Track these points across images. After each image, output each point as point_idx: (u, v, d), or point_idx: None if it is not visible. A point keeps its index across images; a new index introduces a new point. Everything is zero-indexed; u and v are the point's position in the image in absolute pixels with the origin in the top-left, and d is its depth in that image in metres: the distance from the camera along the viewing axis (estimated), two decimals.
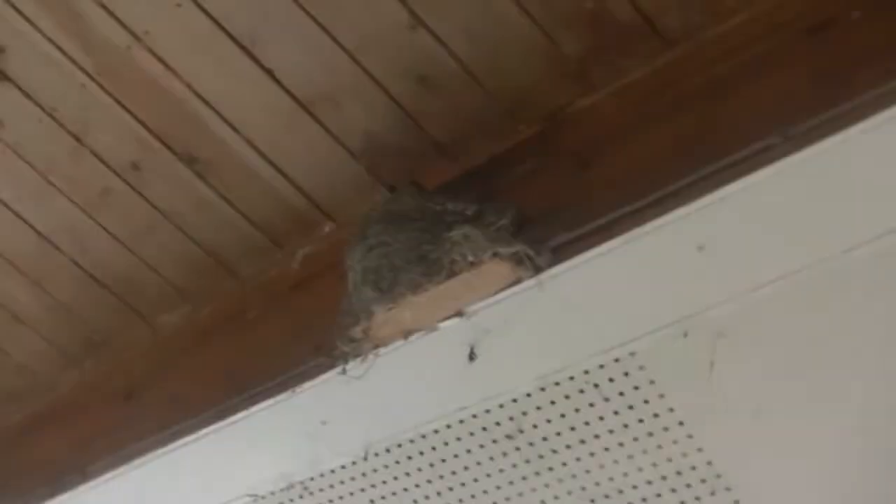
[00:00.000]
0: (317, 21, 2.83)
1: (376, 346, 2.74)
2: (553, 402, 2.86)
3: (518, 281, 2.58)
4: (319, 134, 3.03)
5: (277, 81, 2.96)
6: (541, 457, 2.95)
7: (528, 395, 2.86)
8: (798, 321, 2.56)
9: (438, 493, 3.13)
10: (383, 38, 2.83)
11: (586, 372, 2.78)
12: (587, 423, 2.88)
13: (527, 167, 2.85)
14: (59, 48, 3.03)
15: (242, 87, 2.99)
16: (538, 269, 2.55)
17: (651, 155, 2.57)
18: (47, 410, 3.95)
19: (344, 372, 2.78)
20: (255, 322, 3.33)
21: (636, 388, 2.78)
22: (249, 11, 2.86)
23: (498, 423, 2.95)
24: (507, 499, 3.06)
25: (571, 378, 2.80)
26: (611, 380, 2.77)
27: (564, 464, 2.95)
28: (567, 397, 2.85)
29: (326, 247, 3.23)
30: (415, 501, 3.17)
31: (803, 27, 2.48)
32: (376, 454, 3.11)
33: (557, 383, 2.83)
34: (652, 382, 2.75)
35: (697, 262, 2.44)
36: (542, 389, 2.84)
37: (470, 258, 2.57)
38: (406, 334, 2.72)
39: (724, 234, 2.41)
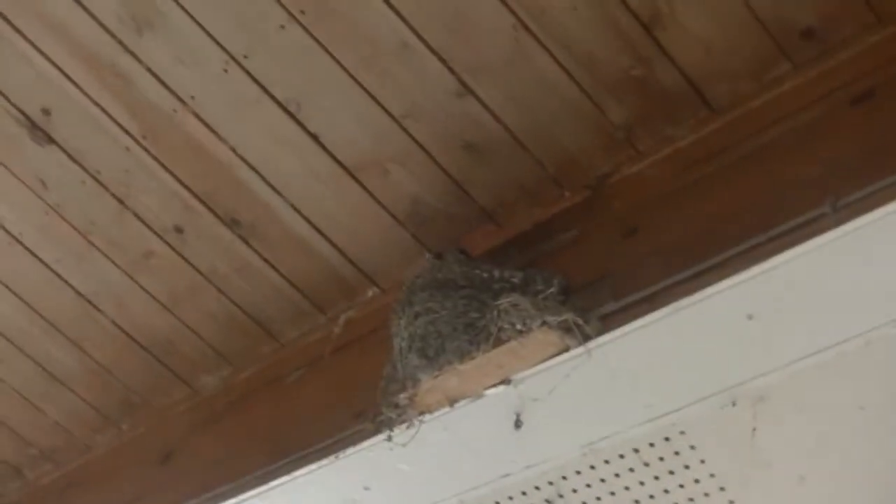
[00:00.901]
0: (363, 87, 2.86)
1: (421, 413, 2.73)
2: (593, 468, 2.84)
3: (566, 349, 2.56)
4: (365, 199, 3.06)
5: (322, 146, 2.99)
6: None
7: (569, 460, 2.84)
8: (844, 389, 2.53)
9: None
10: (431, 106, 2.86)
11: (627, 438, 2.75)
12: (627, 489, 2.86)
13: (573, 234, 2.87)
14: (105, 111, 3.07)
15: (287, 152, 3.02)
16: (586, 338, 2.53)
17: (699, 223, 2.58)
18: (82, 471, 3.96)
19: (389, 439, 2.76)
20: (296, 386, 3.34)
21: (677, 453, 2.75)
22: (295, 77, 2.89)
23: (537, 488, 2.93)
24: None
25: (612, 444, 2.77)
26: (651, 445, 2.75)
27: None
28: (607, 462, 2.82)
29: (369, 312, 3.24)
30: None
31: (848, 97, 2.50)
32: None
33: (598, 449, 2.80)
34: (693, 448, 2.73)
35: (747, 332, 2.42)
36: (584, 455, 2.81)
37: (518, 326, 2.56)
38: (452, 401, 2.71)
39: (773, 304, 2.38)
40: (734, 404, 2.58)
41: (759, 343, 2.45)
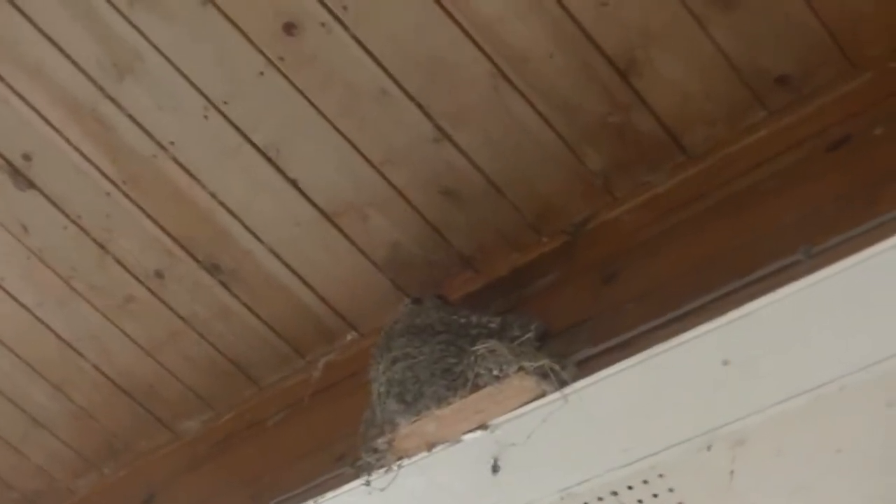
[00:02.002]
0: (342, 133, 2.87)
1: (400, 458, 2.72)
2: None
3: (542, 395, 2.56)
4: (344, 245, 3.06)
5: (301, 192, 2.99)
6: None
7: None
8: (820, 433, 2.52)
9: None
10: (409, 151, 2.86)
11: (606, 482, 2.74)
12: None
13: (550, 279, 2.87)
14: (86, 157, 3.07)
15: (266, 198, 3.03)
16: (563, 384, 2.52)
17: (675, 269, 2.57)
18: None
19: (368, 483, 2.76)
20: (277, 429, 3.33)
21: (655, 496, 2.74)
22: (275, 123, 2.90)
23: None
24: None
25: (590, 488, 2.76)
26: (629, 487, 2.74)
27: None
28: None
29: (349, 356, 3.24)
30: None
31: (824, 144, 2.51)
32: None
33: (576, 493, 2.79)
34: (671, 490, 2.72)
35: (723, 377, 2.42)
36: (561, 499, 2.80)
37: (495, 372, 2.56)
38: (430, 446, 2.70)
39: (749, 349, 2.39)
40: (710, 448, 2.58)
41: (735, 388, 2.46)
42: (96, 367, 3.58)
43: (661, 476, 2.68)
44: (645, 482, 2.71)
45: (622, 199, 2.83)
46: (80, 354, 3.56)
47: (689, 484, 2.68)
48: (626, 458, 2.65)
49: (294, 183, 2.97)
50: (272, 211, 3.05)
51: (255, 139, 2.92)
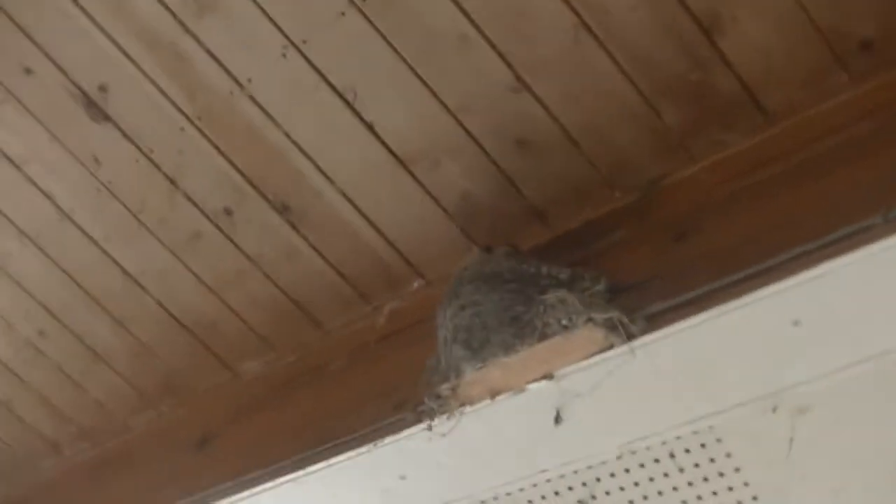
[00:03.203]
0: (420, 78, 2.90)
1: (462, 405, 2.76)
2: (627, 471, 2.88)
3: (610, 347, 2.58)
4: (415, 190, 3.09)
5: (376, 136, 3.02)
6: None
7: (604, 462, 2.87)
8: (884, 402, 2.55)
9: None
10: (486, 99, 2.88)
11: (664, 442, 2.78)
12: (660, 493, 2.88)
13: (622, 235, 2.89)
14: (162, 91, 3.12)
15: (341, 140, 3.06)
16: (631, 337, 2.55)
17: (748, 229, 2.60)
18: (119, 451, 4.03)
19: (430, 428, 2.80)
20: (338, 374, 3.37)
21: (712, 460, 2.77)
22: (353, 65, 2.93)
23: (570, 489, 2.96)
24: None
25: (648, 447, 2.80)
26: (687, 451, 2.78)
27: None
28: (642, 466, 2.85)
29: (414, 303, 3.28)
30: None
31: None
32: None
33: (634, 452, 2.83)
34: (728, 456, 2.75)
35: (792, 338, 2.43)
36: (619, 457, 2.84)
37: (563, 322, 2.59)
38: (494, 394, 2.73)
39: (820, 311, 2.40)
40: (774, 411, 2.58)
41: (803, 350, 2.46)
42: (159, 304, 3.64)
43: (719, 440, 2.72)
44: (703, 446, 2.74)
45: (697, 158, 2.85)
46: (145, 290, 3.62)
47: (747, 449, 2.71)
48: (689, 415, 2.67)
49: (369, 126, 3.00)
50: (345, 153, 3.08)
51: (332, 80, 2.95)
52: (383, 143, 3.03)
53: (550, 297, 2.64)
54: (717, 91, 2.74)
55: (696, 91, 2.76)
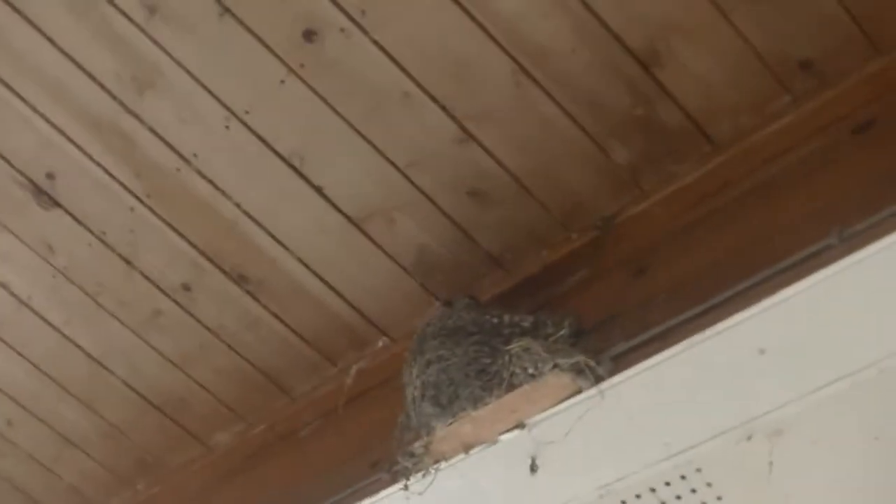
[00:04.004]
0: (365, 138, 2.89)
1: (437, 461, 2.74)
2: None
3: (578, 392, 2.57)
4: (371, 250, 3.08)
5: (327, 198, 3.01)
6: None
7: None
8: (859, 420, 2.51)
9: None
10: (434, 153, 2.88)
11: (644, 478, 2.74)
12: None
13: (581, 275, 2.89)
14: (109, 172, 3.10)
15: (292, 206, 3.05)
16: (598, 379, 2.54)
17: (707, 259, 2.59)
18: None
19: (406, 488, 2.77)
20: (310, 439, 3.36)
21: (693, 491, 2.73)
22: (297, 131, 2.92)
23: None
24: None
25: (628, 485, 2.76)
26: (667, 483, 2.74)
27: None
28: (624, 503, 2.81)
29: (381, 362, 3.26)
30: None
31: (849, 127, 2.52)
32: None
33: (614, 491, 2.79)
34: (709, 485, 2.71)
35: (759, 366, 2.42)
36: (600, 497, 2.79)
37: (530, 371, 2.58)
38: (467, 448, 2.72)
39: (784, 337, 2.39)
40: (750, 438, 2.57)
41: (772, 376, 2.44)
42: (126, 383, 3.60)
43: (698, 470, 2.68)
44: (683, 477, 2.70)
45: (650, 192, 2.85)
46: (110, 371, 3.58)
47: (728, 477, 2.68)
48: (664, 452, 2.64)
49: (319, 190, 2.99)
50: (298, 219, 3.07)
51: (278, 148, 2.94)
52: (334, 205, 3.02)
53: (515, 346, 2.63)
54: (662, 124, 2.74)
55: (642, 126, 2.76)
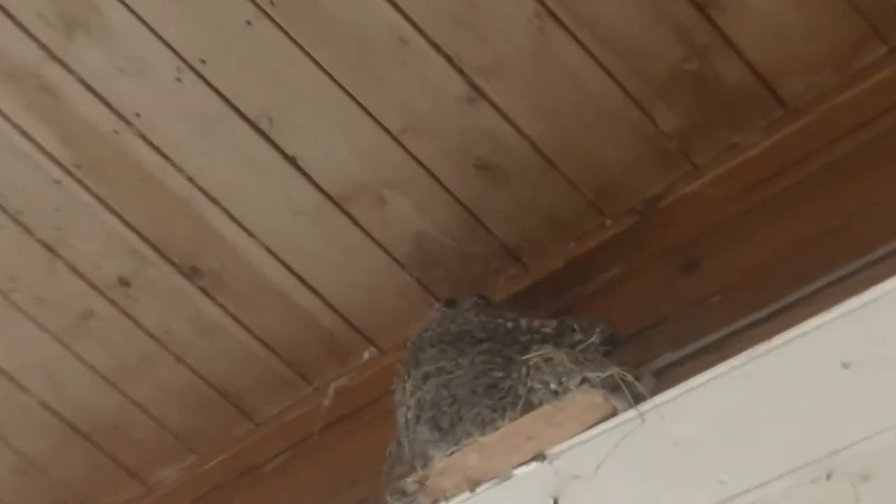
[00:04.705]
0: (351, 95, 2.91)
1: (436, 501, 2.74)
2: None
3: (613, 414, 2.58)
4: (357, 237, 3.11)
5: (303, 172, 3.03)
6: None
7: None
8: None
9: None
10: (435, 116, 2.90)
11: None
12: None
13: (617, 272, 2.92)
14: (27, 135, 3.10)
15: (258, 181, 3.07)
16: (638, 399, 2.55)
17: (772, 252, 2.62)
18: None
19: None
20: (278, 473, 3.37)
21: None
22: (266, 85, 2.94)
23: None
24: None
25: None
26: None
27: None
28: None
29: (366, 378, 3.29)
30: None
31: None
32: None
33: None
34: None
35: (841, 385, 2.39)
36: None
37: (553, 386, 2.58)
38: (473, 485, 2.72)
39: (873, 348, 2.35)
40: (829, 478, 2.55)
41: (857, 398, 2.41)
42: (45, 404, 3.60)
43: None
44: None
45: (704, 168, 2.88)
46: (24, 388, 3.58)
47: None
48: (720, 494, 2.58)
49: (292, 161, 3.01)
50: (265, 197, 3.09)
51: (241, 107, 2.95)
52: (311, 180, 3.04)
53: (534, 356, 2.63)
54: (721, 82, 2.76)
55: (695, 84, 2.78)
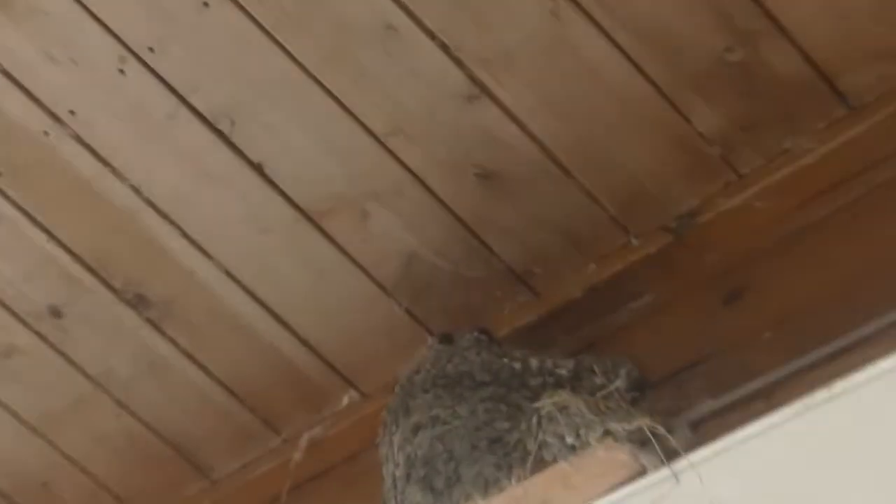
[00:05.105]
0: (328, 91, 2.89)
1: None
2: None
3: (641, 473, 2.56)
4: (335, 259, 3.09)
5: (270, 182, 3.02)
6: None
7: None
8: None
9: None
10: (428, 116, 2.89)
11: None
12: None
13: (646, 302, 2.91)
14: None
15: (217, 192, 3.06)
16: (671, 455, 2.52)
17: (833, 278, 2.60)
18: None
19: None
20: None
21: None
22: (225, 79, 2.92)
23: None
24: None
25: None
26: None
27: None
28: None
29: (345, 427, 3.29)
30: None
31: None
32: None
33: None
34: None
35: None
36: None
37: (569, 440, 2.57)
38: None
39: None
40: None
41: None
42: None
43: None
44: None
45: (750, 178, 2.86)
46: None
47: None
48: None
49: (258, 168, 3.00)
50: (225, 211, 3.08)
51: (196, 104, 2.94)
52: (280, 191, 3.03)
53: (547, 403, 2.62)
54: (771, 75, 2.74)
55: (740, 77, 2.76)
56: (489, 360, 2.82)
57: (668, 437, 2.53)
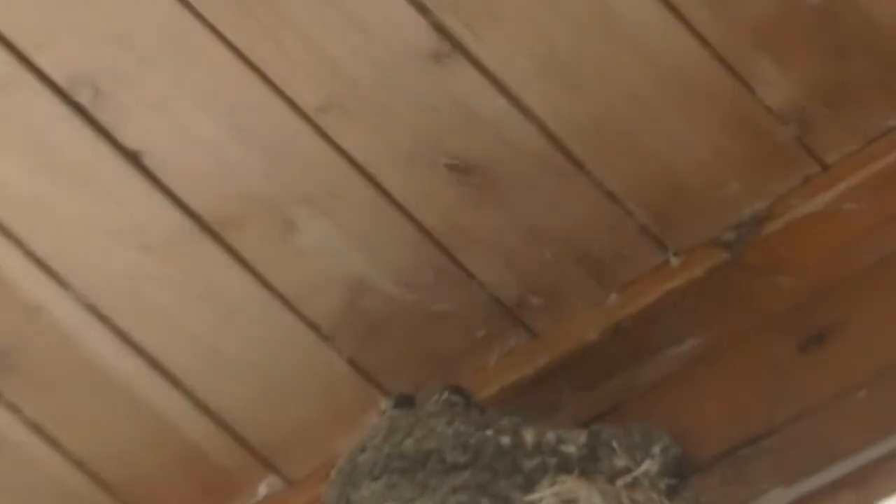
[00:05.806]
0: (235, 49, 2.78)
1: None
2: None
3: None
4: (245, 287, 3.02)
5: (151, 177, 2.93)
6: None
7: None
8: None
9: None
10: (380, 83, 2.79)
11: None
12: None
13: (691, 346, 2.81)
14: None
15: (75, 191, 2.97)
16: None
17: None
18: None
19: None
20: None
21: None
22: (86, 31, 2.82)
23: None
24: None
25: None
26: None
27: None
28: None
29: None
30: None
31: None
32: None
33: None
34: None
35: None
36: None
37: None
38: None
39: None
40: None
41: None
42: None
43: None
44: None
45: (837, 170, 2.78)
46: None
47: None
48: None
49: (133, 158, 2.90)
50: (89, 221, 2.99)
51: (44, 66, 2.85)
52: (166, 190, 2.94)
53: (547, 495, 2.55)
54: (868, 27, 2.65)
55: (822, 31, 2.67)
56: (466, 431, 2.73)
57: None
